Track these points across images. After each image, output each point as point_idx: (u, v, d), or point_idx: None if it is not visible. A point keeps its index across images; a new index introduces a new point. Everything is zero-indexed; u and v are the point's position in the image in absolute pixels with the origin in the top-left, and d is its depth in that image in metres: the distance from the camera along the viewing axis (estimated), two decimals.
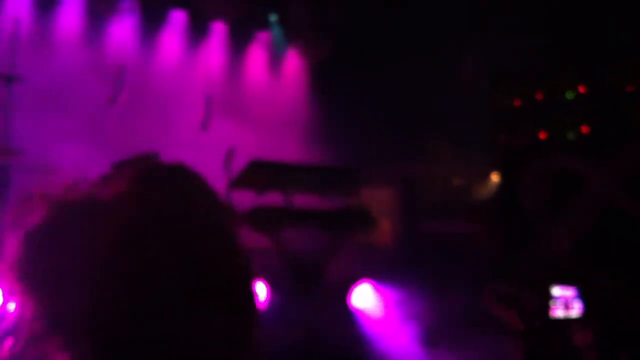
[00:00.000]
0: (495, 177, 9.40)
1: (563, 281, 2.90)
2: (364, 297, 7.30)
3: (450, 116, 9.08)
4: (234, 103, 10.11)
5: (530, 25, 8.26)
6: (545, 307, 3.03)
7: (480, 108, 9.05)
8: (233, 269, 1.00)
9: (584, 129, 8.02)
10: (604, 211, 2.34)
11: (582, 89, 8.24)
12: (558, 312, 3.10)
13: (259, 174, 7.37)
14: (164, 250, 0.94)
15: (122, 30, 9.65)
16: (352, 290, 7.29)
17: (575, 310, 3.04)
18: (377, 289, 7.33)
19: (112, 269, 0.93)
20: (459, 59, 9.16)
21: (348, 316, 7.12)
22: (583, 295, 2.88)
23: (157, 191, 0.98)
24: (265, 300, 6.65)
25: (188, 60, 10.20)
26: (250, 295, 1.02)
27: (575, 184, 2.50)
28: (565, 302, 3.04)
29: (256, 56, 10.64)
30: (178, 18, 10.15)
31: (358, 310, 7.23)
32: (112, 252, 0.94)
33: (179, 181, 1.01)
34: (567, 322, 3.01)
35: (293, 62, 10.75)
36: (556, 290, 3.06)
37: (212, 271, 0.98)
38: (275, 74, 10.73)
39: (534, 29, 8.24)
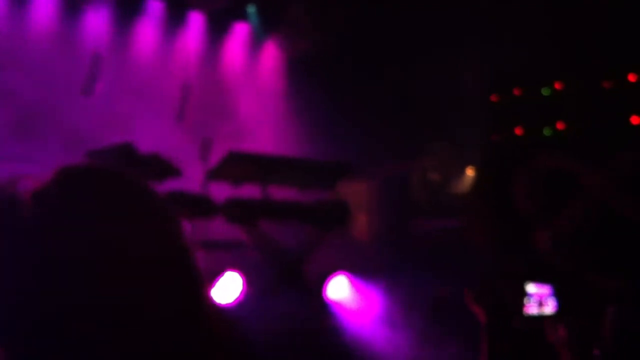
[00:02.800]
0: (470, 172, 9.45)
1: (540, 279, 2.93)
2: (340, 290, 7.33)
3: (446, 114, 9.09)
4: (211, 93, 10.06)
5: (525, 25, 8.30)
6: (520, 305, 3.06)
7: (477, 106, 9.08)
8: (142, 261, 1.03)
9: (559, 125, 8.11)
10: (599, 212, 2.35)
11: (558, 85, 8.31)
12: (532, 310, 3.13)
13: (237, 165, 7.33)
14: (65, 251, 0.98)
15: (98, 19, 9.53)
16: (327, 283, 7.31)
17: (550, 307, 3.07)
18: (353, 282, 7.36)
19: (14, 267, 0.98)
20: (459, 59, 9.17)
21: (326, 309, 7.14)
22: (559, 293, 2.91)
23: (67, 191, 1.03)
24: (241, 294, 6.64)
25: (165, 50, 10.11)
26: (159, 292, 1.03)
27: (570, 185, 2.51)
28: (539, 300, 3.07)
29: (234, 47, 10.59)
30: (155, 8, 10.04)
31: (335, 303, 7.26)
32: (14, 249, 0.98)
33: (92, 182, 1.06)
34: (540, 319, 3.04)
35: (271, 53, 10.71)
36: (531, 288, 3.09)
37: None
38: (253, 65, 10.69)
39: (529, 28, 8.28)
